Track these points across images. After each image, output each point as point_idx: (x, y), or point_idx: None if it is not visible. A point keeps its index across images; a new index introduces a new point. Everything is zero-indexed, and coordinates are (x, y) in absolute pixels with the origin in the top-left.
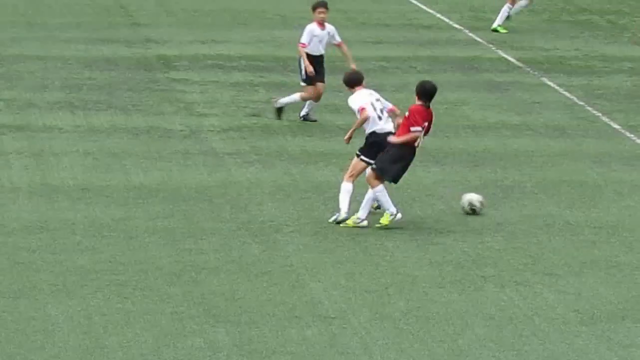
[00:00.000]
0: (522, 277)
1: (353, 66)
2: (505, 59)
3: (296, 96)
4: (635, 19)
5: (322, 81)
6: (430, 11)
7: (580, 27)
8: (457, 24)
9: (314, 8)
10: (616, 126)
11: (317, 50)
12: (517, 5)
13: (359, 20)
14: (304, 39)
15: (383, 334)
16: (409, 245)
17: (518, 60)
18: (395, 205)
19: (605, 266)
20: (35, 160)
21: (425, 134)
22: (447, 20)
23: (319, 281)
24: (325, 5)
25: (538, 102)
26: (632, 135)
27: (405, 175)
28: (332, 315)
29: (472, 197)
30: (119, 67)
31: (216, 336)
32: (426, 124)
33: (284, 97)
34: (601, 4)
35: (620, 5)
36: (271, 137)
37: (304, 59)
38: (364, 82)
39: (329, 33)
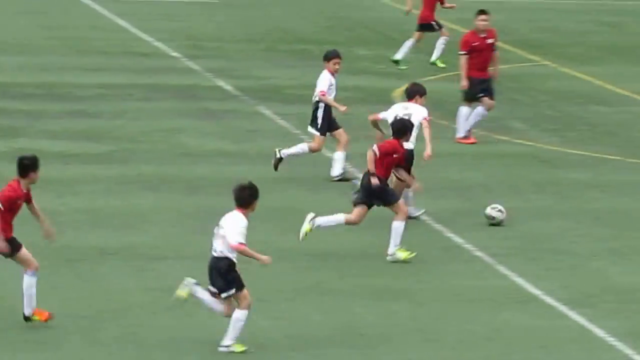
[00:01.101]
0: None
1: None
2: (222, 88)
3: (304, 146)
4: (350, 48)
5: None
6: (149, 39)
7: (296, 57)
8: (175, 52)
9: (330, 58)
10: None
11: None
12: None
13: (78, 47)
14: (324, 86)
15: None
16: (124, 271)
17: (235, 88)
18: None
19: (317, 293)
20: None
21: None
22: (165, 48)
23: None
24: (340, 56)
25: (254, 130)
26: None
27: (121, 202)
28: (44, 341)
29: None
30: None
31: None
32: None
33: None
34: (317, 35)
35: (336, 36)
36: None
37: (331, 104)
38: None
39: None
